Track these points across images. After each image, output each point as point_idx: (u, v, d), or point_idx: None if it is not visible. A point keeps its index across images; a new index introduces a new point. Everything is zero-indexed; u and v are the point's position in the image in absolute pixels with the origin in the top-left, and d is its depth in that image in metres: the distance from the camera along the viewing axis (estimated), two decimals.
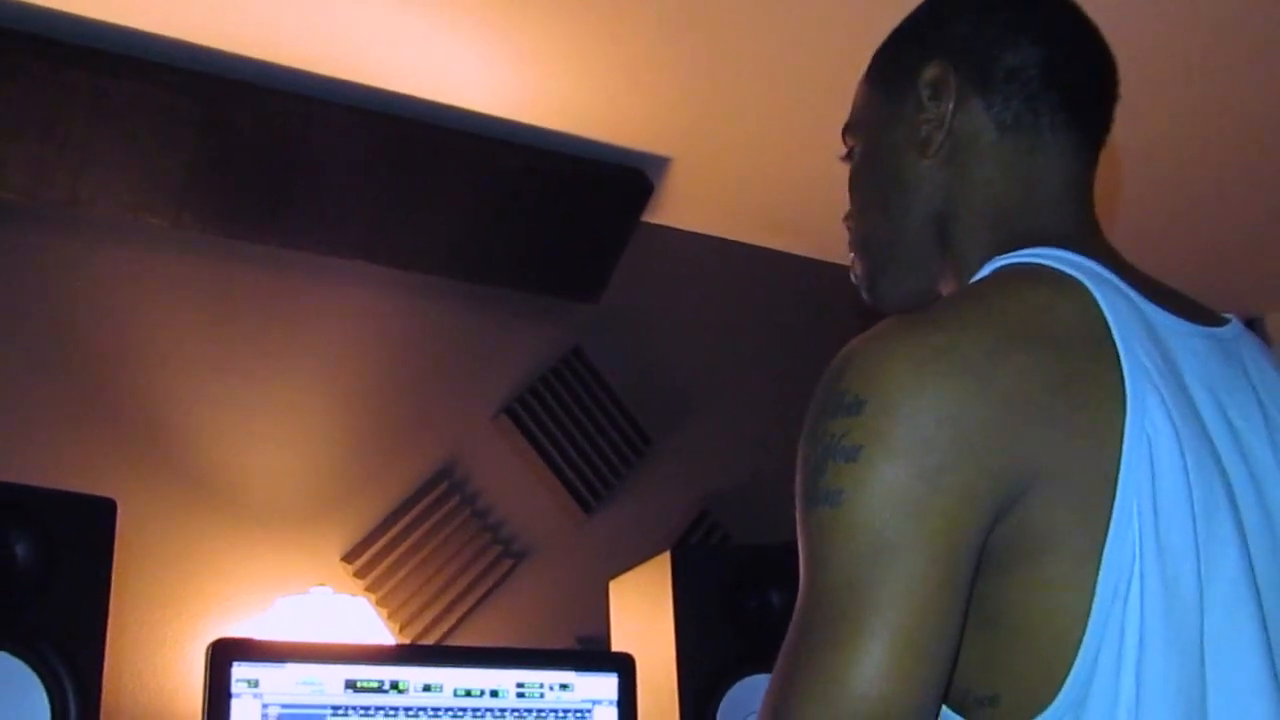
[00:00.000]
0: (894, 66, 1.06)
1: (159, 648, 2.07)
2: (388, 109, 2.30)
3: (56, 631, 1.50)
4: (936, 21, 1.05)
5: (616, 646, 2.09)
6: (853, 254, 1.09)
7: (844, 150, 1.11)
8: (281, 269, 2.34)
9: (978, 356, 0.80)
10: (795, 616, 0.80)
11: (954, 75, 0.99)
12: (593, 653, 2.22)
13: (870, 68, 1.10)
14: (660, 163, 2.54)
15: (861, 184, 1.08)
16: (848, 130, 1.10)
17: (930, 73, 1.01)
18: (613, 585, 2.17)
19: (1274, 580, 0.84)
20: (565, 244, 2.52)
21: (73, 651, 1.51)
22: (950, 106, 0.99)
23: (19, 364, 2.10)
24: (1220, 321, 0.96)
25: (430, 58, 2.22)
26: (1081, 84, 1.01)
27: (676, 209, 2.70)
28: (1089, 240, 0.96)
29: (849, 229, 1.10)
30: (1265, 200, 2.68)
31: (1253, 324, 3.05)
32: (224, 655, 1.64)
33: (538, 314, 2.58)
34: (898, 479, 0.78)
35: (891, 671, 0.74)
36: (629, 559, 2.15)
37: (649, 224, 2.68)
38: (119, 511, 1.60)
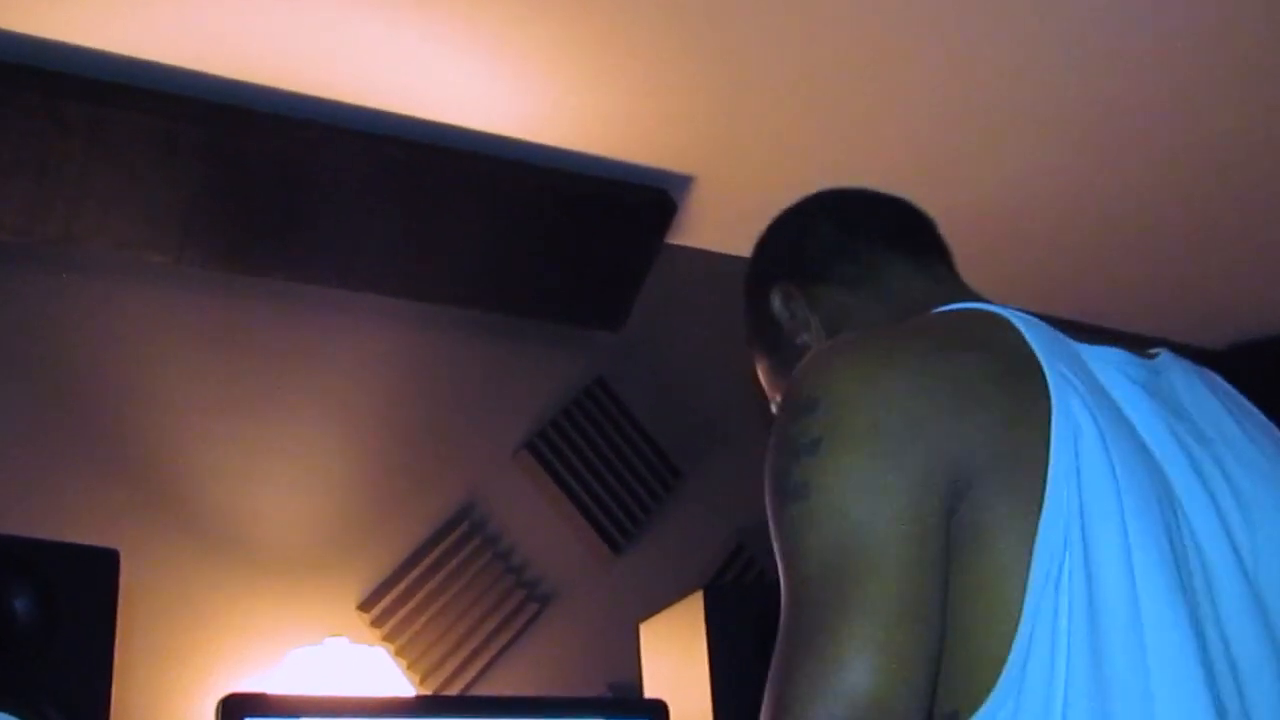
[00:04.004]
0: (759, 321, 1.28)
1: (166, 704, 2.07)
2: (398, 133, 2.31)
3: (59, 689, 1.50)
4: (757, 270, 1.30)
5: (649, 693, 2.08)
6: None
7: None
8: (289, 303, 2.36)
9: (919, 354, 0.91)
10: (782, 613, 0.86)
11: (791, 286, 1.22)
12: (624, 700, 2.21)
13: (746, 337, 1.33)
14: (683, 181, 2.55)
15: (778, 384, 1.26)
16: (749, 344, 1.32)
17: (775, 300, 1.23)
18: (643, 628, 2.16)
19: (1232, 597, 0.91)
20: (585, 269, 2.53)
21: (76, 709, 1.51)
22: (803, 305, 1.21)
23: (14, 410, 2.11)
24: (1150, 355, 1.06)
25: (441, 78, 2.23)
26: (885, 223, 1.22)
27: (701, 229, 2.72)
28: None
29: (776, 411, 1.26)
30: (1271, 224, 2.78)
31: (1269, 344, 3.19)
32: (235, 711, 1.62)
33: (558, 344, 2.59)
34: (857, 463, 0.86)
35: (882, 645, 0.80)
36: (661, 600, 2.14)
37: (673, 245, 2.71)
38: (122, 562, 1.61)
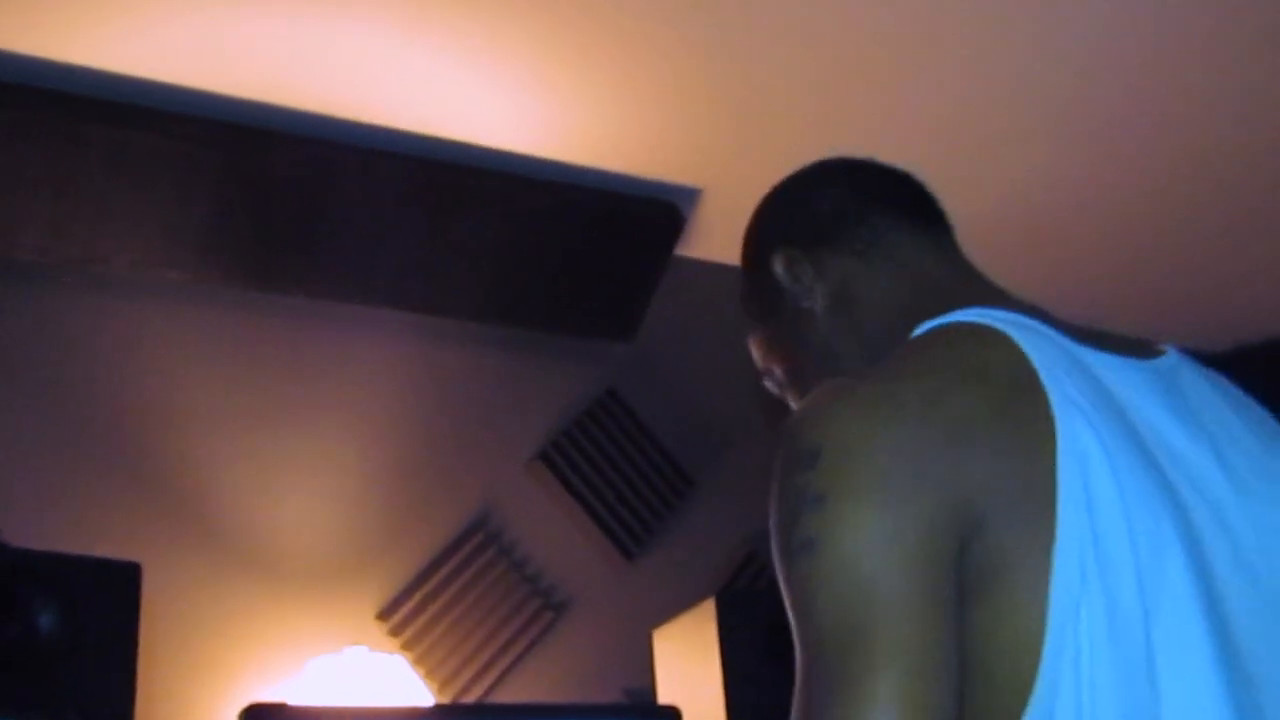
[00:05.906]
0: (757, 289, 1.21)
1: (189, 714, 2.08)
2: (411, 150, 2.29)
3: (83, 700, 1.52)
4: (759, 235, 1.22)
5: (663, 699, 2.09)
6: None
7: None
8: (307, 319, 2.37)
9: (916, 399, 0.88)
10: (799, 669, 0.84)
11: (795, 249, 1.15)
12: (638, 706, 2.23)
13: (741, 306, 1.25)
14: (691, 194, 2.51)
15: (786, 363, 1.20)
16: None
17: (778, 265, 1.16)
18: (657, 635, 2.17)
19: (1243, 597, 0.89)
20: (597, 282, 2.51)
21: None
22: (809, 270, 1.15)
23: (38, 426, 2.12)
24: (1157, 353, 1.04)
25: (454, 96, 2.22)
26: (893, 191, 1.18)
27: (710, 241, 2.68)
28: (1000, 299, 1.05)
29: (773, 387, 1.23)
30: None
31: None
32: None
33: (570, 356, 2.60)
34: (864, 516, 0.84)
35: (905, 698, 0.78)
36: (674, 607, 2.14)
37: (682, 257, 2.67)
38: (144, 574, 1.63)
